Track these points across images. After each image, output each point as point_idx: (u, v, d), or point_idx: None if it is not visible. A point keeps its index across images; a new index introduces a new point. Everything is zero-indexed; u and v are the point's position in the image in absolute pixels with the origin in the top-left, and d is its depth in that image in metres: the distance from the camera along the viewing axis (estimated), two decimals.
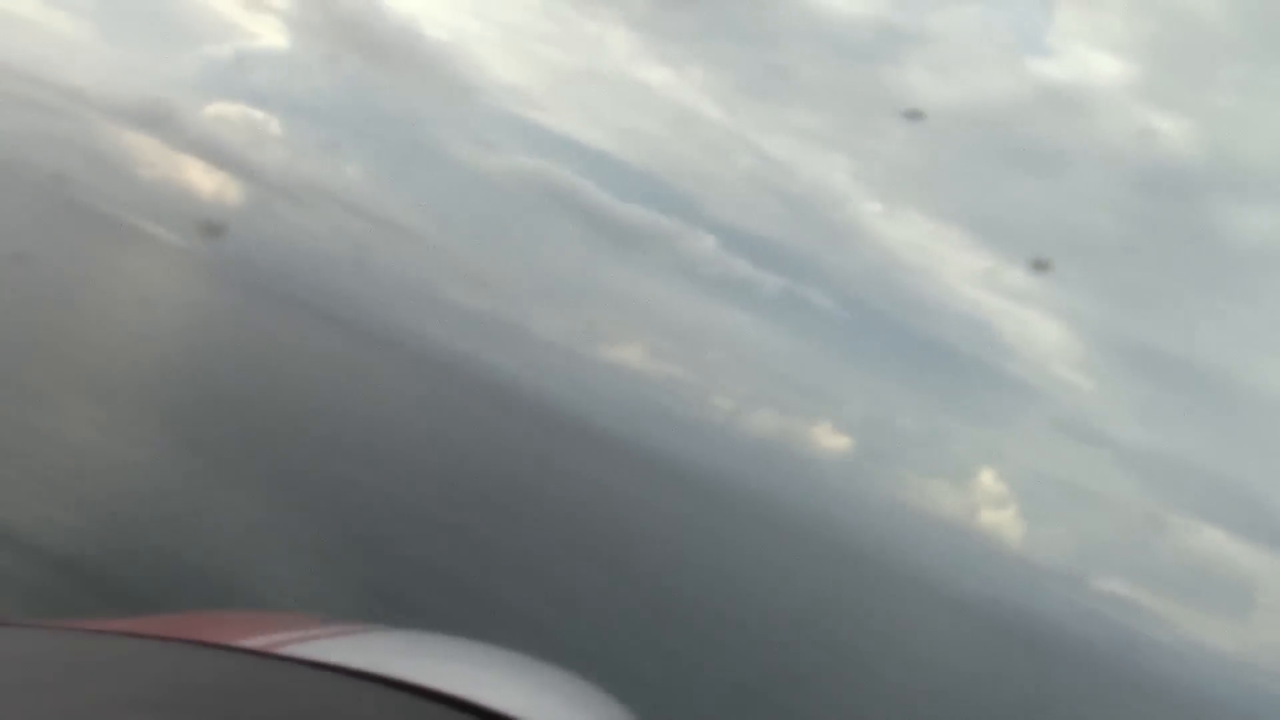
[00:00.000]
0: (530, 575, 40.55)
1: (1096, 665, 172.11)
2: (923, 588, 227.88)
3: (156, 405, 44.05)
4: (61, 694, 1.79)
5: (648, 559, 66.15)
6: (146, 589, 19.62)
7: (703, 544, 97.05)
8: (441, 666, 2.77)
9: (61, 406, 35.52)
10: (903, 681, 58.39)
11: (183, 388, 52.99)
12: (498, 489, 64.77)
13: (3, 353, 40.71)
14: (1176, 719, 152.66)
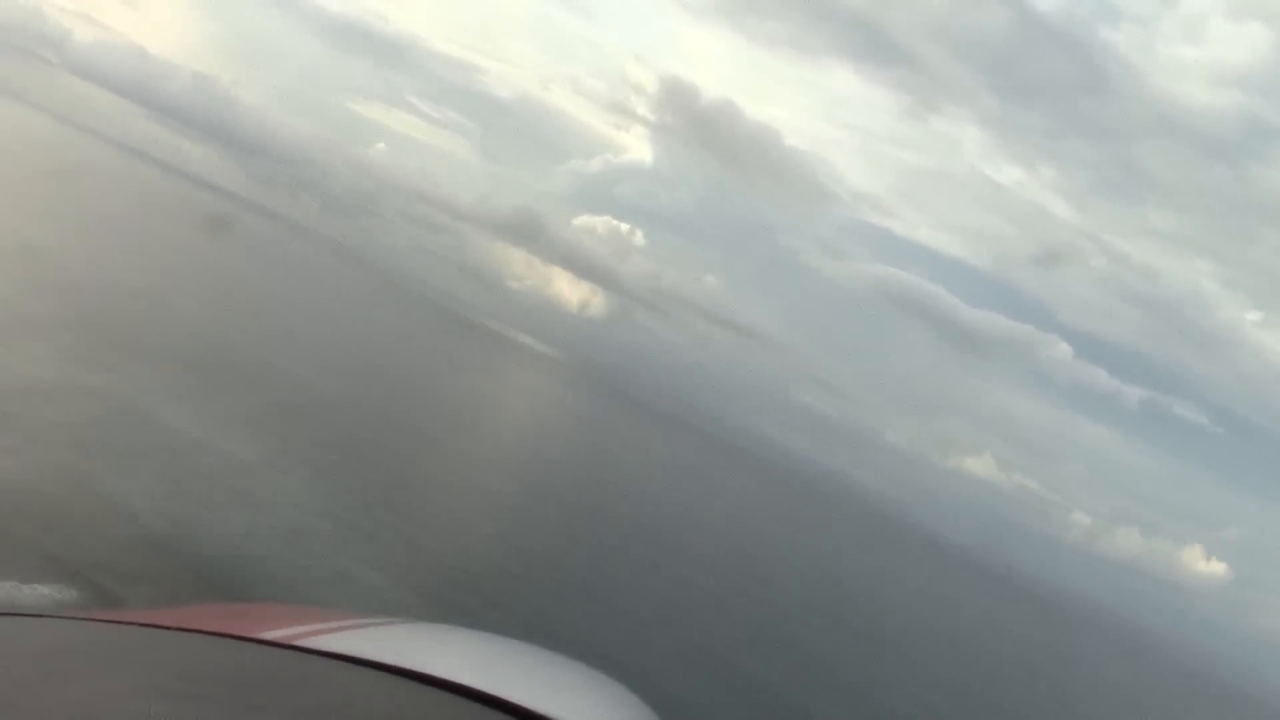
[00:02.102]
0: (867, 700, 40.65)
1: None
2: None
3: (517, 495, 47.57)
4: (85, 684, 1.83)
5: (1002, 683, 64.17)
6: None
7: (1064, 671, 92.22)
8: (461, 659, 2.84)
9: (462, 486, 40.31)
10: None
11: (551, 481, 57.08)
12: (842, 601, 64.45)
13: (411, 443, 45.88)
14: None
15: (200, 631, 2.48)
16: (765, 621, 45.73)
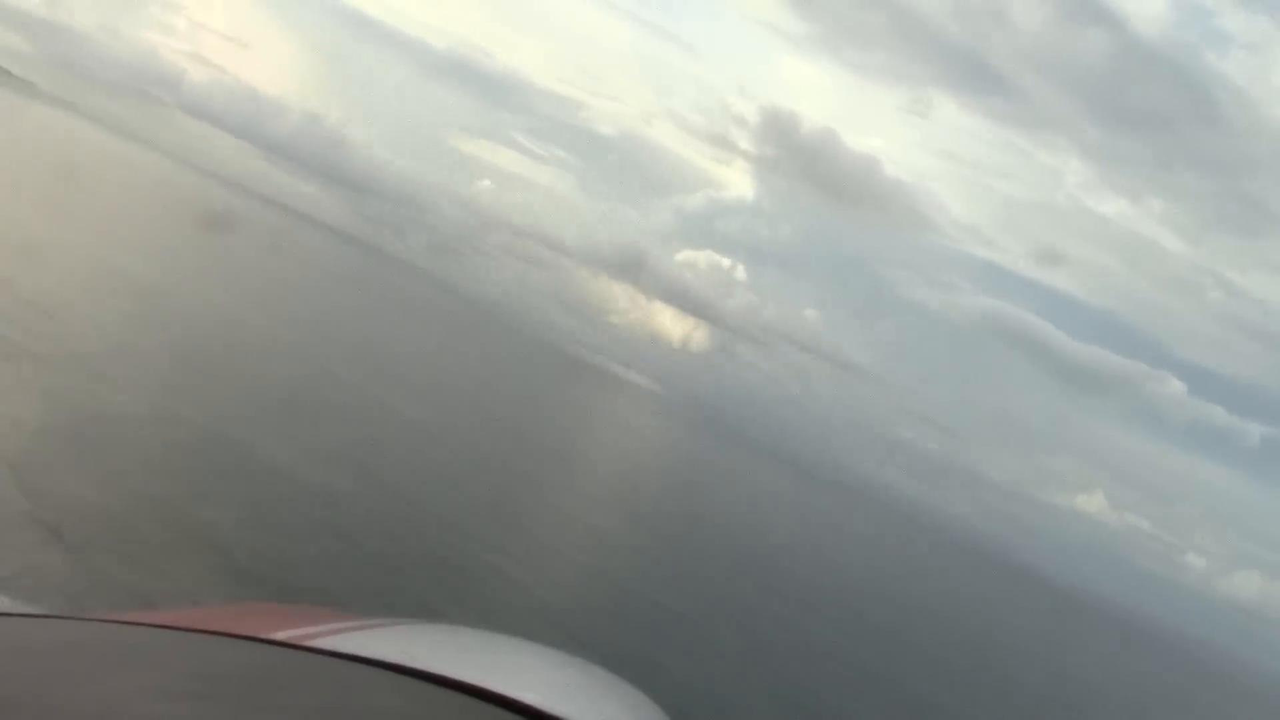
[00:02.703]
0: None
1: None
2: None
3: (635, 533, 47.17)
4: (96, 684, 1.83)
5: None
6: None
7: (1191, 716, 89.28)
8: (471, 659, 2.82)
9: (561, 520, 40.39)
10: None
11: (652, 516, 56.79)
12: (950, 644, 63.15)
13: (510, 477, 46.26)
14: None
15: (211, 632, 2.48)
16: (868, 663, 44.59)
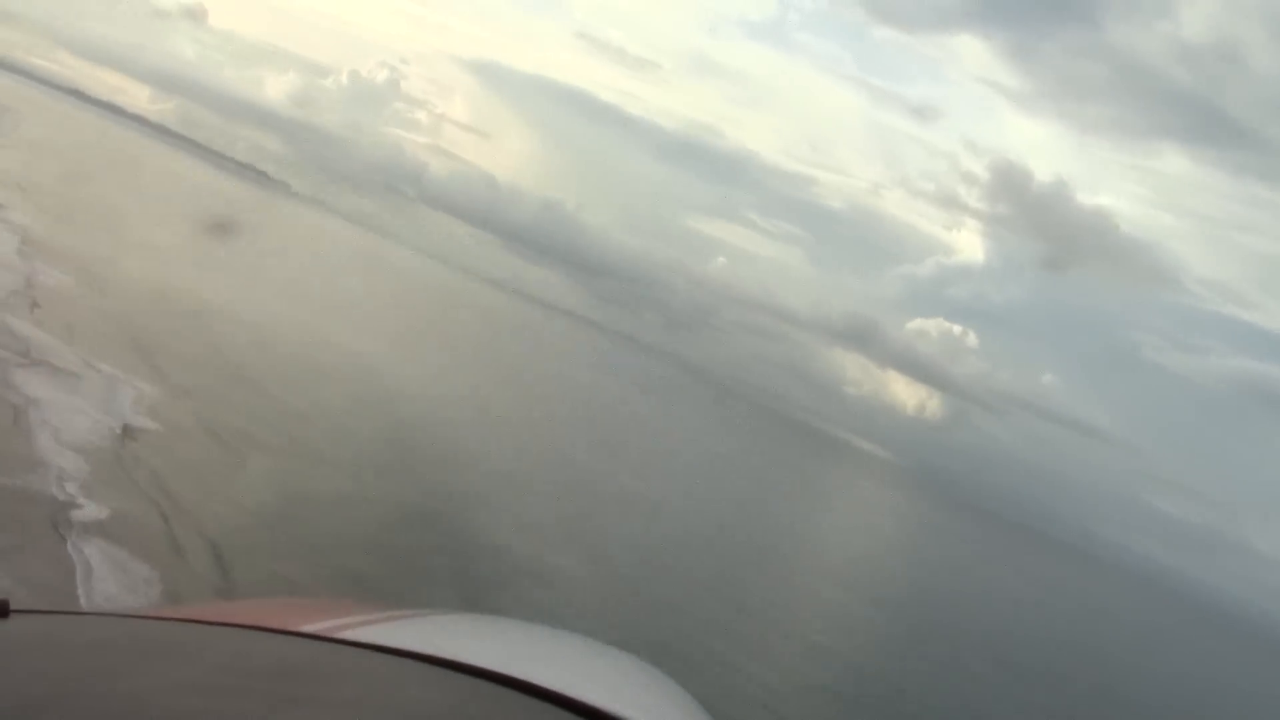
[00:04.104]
0: None
1: None
2: None
3: (869, 609, 45.54)
4: (129, 680, 1.82)
5: None
6: None
7: None
8: (501, 648, 2.75)
9: (796, 594, 39.95)
10: None
11: (890, 590, 55.37)
12: None
13: (746, 549, 46.17)
14: None
15: (240, 626, 2.49)
16: None
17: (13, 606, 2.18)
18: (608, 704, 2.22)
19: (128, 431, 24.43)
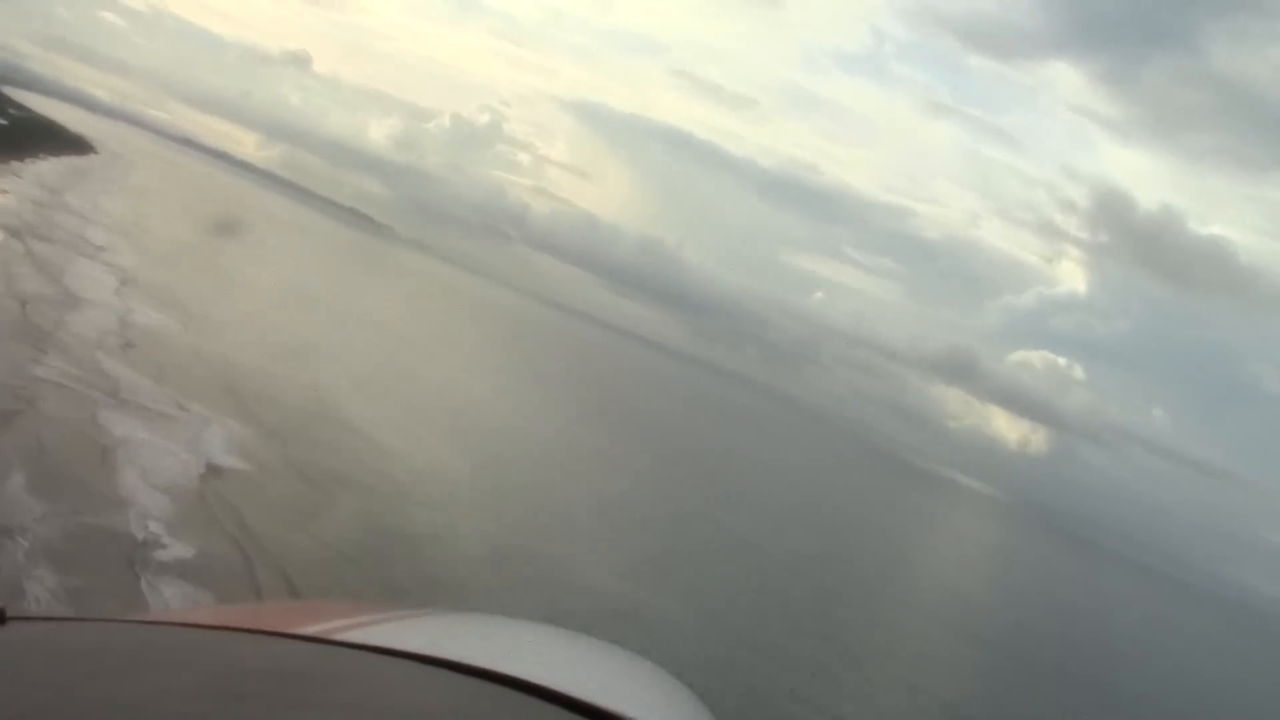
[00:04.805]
0: None
1: None
2: None
3: (974, 650, 44.35)
4: (127, 685, 1.83)
5: None
6: None
7: None
8: (501, 648, 2.71)
9: (898, 634, 40.39)
10: None
11: (997, 630, 54.37)
12: None
13: (847, 586, 45.69)
14: None
15: (237, 629, 2.50)
16: None
17: (9, 614, 2.17)
18: (611, 703, 2.19)
19: (214, 471, 24.40)
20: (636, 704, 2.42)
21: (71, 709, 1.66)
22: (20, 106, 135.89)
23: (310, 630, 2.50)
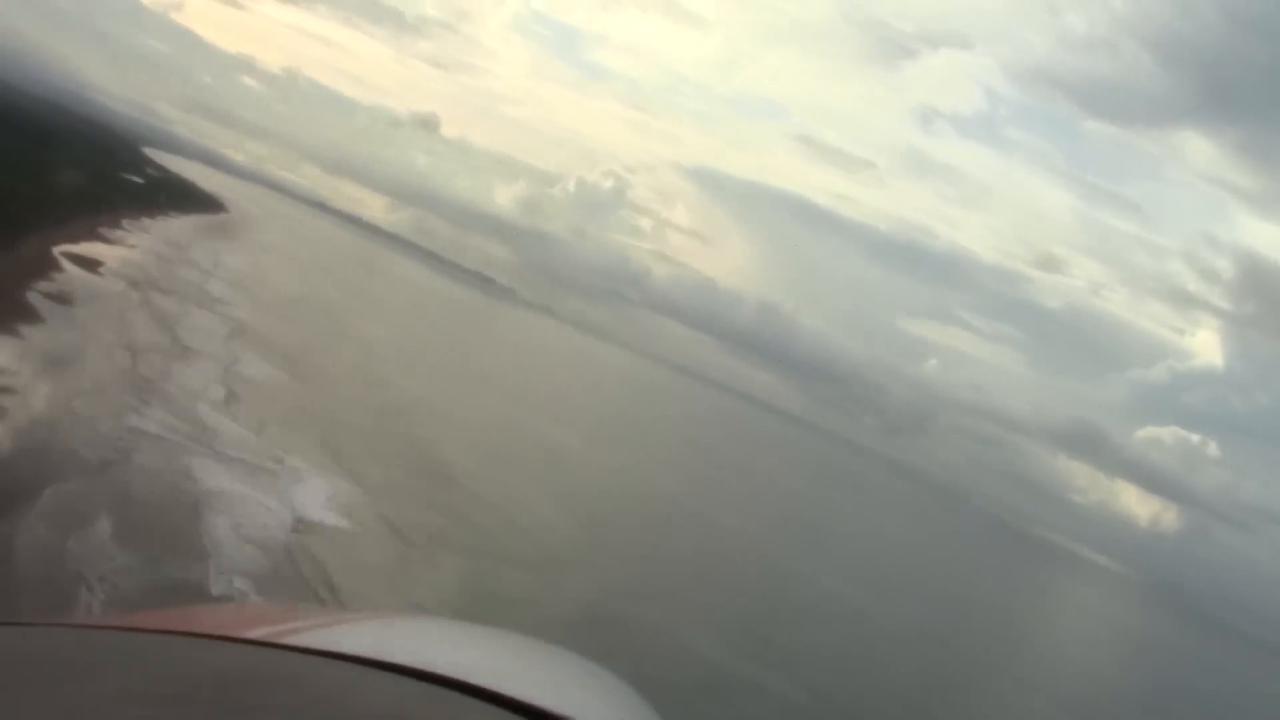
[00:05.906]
0: None
1: None
2: None
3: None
4: (67, 690, 1.80)
5: None
6: None
7: None
8: (450, 652, 2.64)
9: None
10: None
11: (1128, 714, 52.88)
12: None
13: (973, 663, 44.27)
14: None
15: (185, 634, 2.47)
16: None
17: None
18: (553, 704, 2.16)
19: (307, 527, 24.01)
20: (578, 703, 2.35)
21: (15, 715, 1.59)
22: (159, 167, 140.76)
23: (255, 634, 2.41)
